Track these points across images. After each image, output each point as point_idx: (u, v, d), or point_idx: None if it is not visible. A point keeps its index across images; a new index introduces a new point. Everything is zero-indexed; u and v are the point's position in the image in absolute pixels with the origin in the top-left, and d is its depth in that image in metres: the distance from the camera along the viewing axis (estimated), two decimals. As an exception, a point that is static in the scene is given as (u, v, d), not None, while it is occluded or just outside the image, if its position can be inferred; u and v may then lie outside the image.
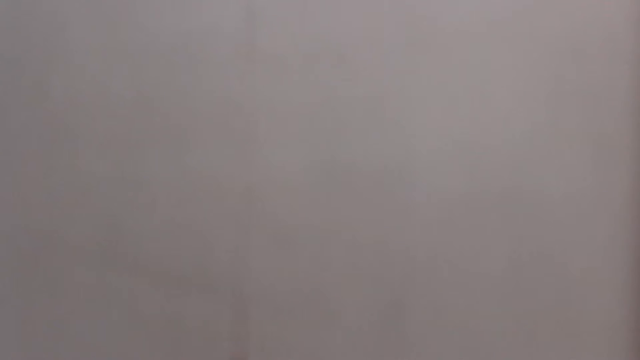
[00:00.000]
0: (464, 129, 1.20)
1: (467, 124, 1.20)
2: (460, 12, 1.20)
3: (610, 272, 1.16)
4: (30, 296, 1.43)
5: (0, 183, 1.43)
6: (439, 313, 1.23)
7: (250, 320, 1.31)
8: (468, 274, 1.21)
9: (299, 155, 1.28)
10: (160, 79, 1.34)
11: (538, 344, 1.19)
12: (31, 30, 1.41)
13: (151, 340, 1.36)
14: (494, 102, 1.19)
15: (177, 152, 1.33)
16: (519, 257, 1.19)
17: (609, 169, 1.15)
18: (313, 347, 1.28)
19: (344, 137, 1.26)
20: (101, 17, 1.36)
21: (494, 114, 1.19)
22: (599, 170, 1.15)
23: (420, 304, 1.23)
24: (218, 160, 1.31)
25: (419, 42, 1.22)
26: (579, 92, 1.16)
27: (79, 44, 1.38)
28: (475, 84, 1.20)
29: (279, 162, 1.29)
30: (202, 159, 1.32)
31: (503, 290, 1.20)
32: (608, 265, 1.16)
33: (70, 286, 1.40)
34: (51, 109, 1.40)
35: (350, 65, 1.25)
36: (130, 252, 1.36)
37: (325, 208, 1.27)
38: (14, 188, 1.43)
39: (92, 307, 1.39)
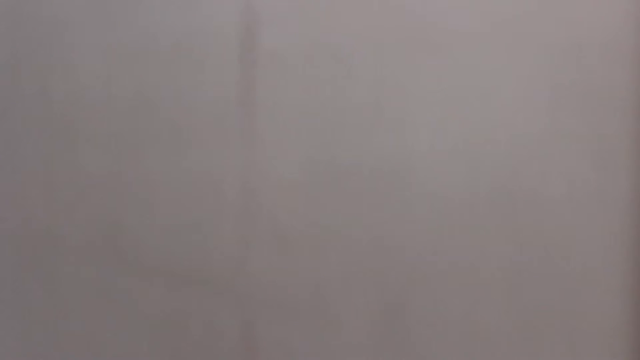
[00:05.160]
0: (464, 129, 1.21)
1: (468, 124, 1.20)
2: (460, 13, 1.20)
3: (610, 272, 1.16)
4: (30, 295, 1.43)
5: (0, 183, 1.43)
6: (440, 313, 1.23)
7: (250, 320, 1.31)
8: (468, 274, 1.21)
9: (299, 155, 1.28)
10: (160, 79, 1.34)
11: (538, 344, 1.19)
12: (31, 29, 1.41)
13: (151, 340, 1.36)
14: (494, 103, 1.19)
15: (177, 152, 1.33)
16: (519, 257, 1.19)
17: (609, 169, 1.15)
18: (313, 347, 1.29)
19: (344, 137, 1.26)
20: (101, 17, 1.36)
21: (494, 115, 1.19)
22: (599, 170, 1.16)
23: (420, 304, 1.24)
24: (218, 160, 1.32)
25: (420, 43, 1.22)
26: (580, 92, 1.16)
27: (79, 44, 1.38)
28: (476, 84, 1.20)
29: (278, 162, 1.29)
30: (202, 159, 1.32)
31: (503, 290, 1.20)
32: (608, 265, 1.16)
33: (70, 285, 1.40)
34: (51, 109, 1.40)
35: (351, 65, 1.25)
36: (130, 251, 1.36)
37: (325, 208, 1.27)
38: (15, 187, 1.43)
39: (92, 306, 1.39)
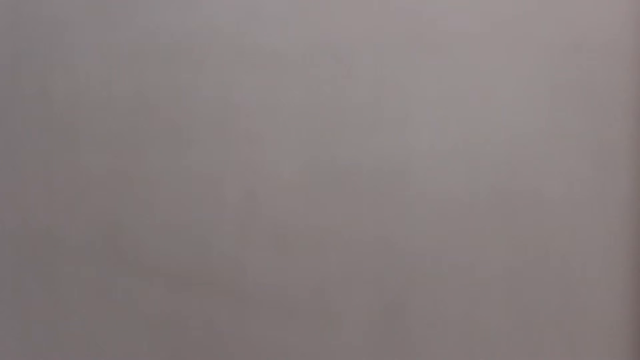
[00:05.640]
0: (464, 129, 1.20)
1: (467, 124, 1.20)
2: (461, 13, 1.20)
3: (610, 272, 1.16)
4: (30, 295, 1.43)
5: (0, 182, 1.43)
6: (439, 313, 1.23)
7: (250, 320, 1.31)
8: (468, 274, 1.21)
9: (299, 156, 1.28)
10: (160, 79, 1.34)
11: (538, 344, 1.19)
12: (32, 29, 1.41)
13: (151, 340, 1.36)
14: (494, 103, 1.19)
15: (177, 152, 1.33)
16: (519, 257, 1.19)
17: (609, 169, 1.15)
18: (313, 347, 1.28)
19: (344, 137, 1.26)
20: (101, 17, 1.36)
21: (494, 115, 1.19)
22: (599, 170, 1.15)
23: (420, 304, 1.23)
24: (218, 160, 1.31)
25: (420, 43, 1.22)
26: (580, 93, 1.16)
27: (79, 43, 1.38)
28: (476, 84, 1.20)
29: (279, 162, 1.29)
30: (202, 159, 1.32)
31: (503, 290, 1.20)
32: (608, 265, 1.16)
33: (70, 285, 1.40)
34: (51, 109, 1.40)
35: (351, 65, 1.25)
36: (130, 251, 1.36)
37: (325, 208, 1.27)
38: (14, 187, 1.42)
39: (92, 306, 1.39)
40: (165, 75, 1.33)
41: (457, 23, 1.20)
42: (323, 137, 1.27)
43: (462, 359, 1.22)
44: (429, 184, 1.22)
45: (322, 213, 1.27)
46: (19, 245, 1.43)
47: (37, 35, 1.40)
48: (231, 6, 1.30)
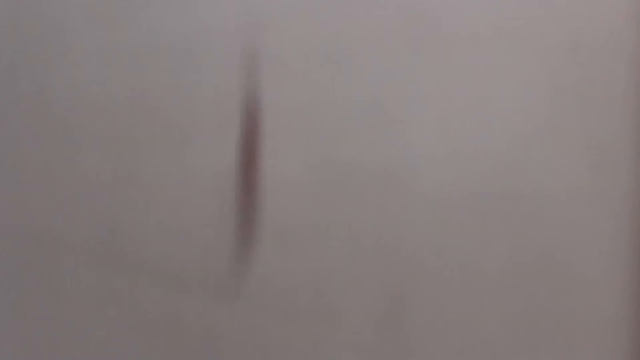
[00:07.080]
0: (464, 130, 1.21)
1: (468, 125, 1.20)
2: (461, 14, 1.20)
3: (610, 272, 1.16)
4: (29, 296, 1.43)
5: (0, 182, 1.43)
6: (440, 313, 1.23)
7: (250, 320, 1.31)
8: (468, 274, 1.21)
9: (299, 155, 1.28)
10: (160, 79, 1.34)
11: (538, 344, 1.19)
12: (30, 29, 1.41)
13: (151, 340, 1.36)
14: (494, 103, 1.19)
15: (177, 152, 1.34)
16: (519, 257, 1.19)
17: (609, 169, 1.15)
18: (313, 347, 1.29)
19: (344, 137, 1.26)
20: (101, 17, 1.36)
21: (494, 115, 1.19)
22: (599, 170, 1.16)
23: (421, 304, 1.24)
24: (218, 160, 1.32)
25: (420, 43, 1.22)
26: (579, 93, 1.16)
27: (79, 43, 1.38)
28: (476, 84, 1.20)
29: (279, 162, 1.29)
30: (202, 159, 1.32)
31: (503, 290, 1.20)
32: (608, 265, 1.16)
33: (69, 286, 1.40)
34: (50, 109, 1.40)
35: (352, 65, 1.25)
36: (130, 251, 1.36)
37: (325, 208, 1.27)
38: (14, 188, 1.43)
39: (92, 307, 1.39)
40: (165, 75, 1.33)
41: (458, 24, 1.20)
42: (323, 137, 1.27)
43: (463, 358, 1.22)
44: (430, 184, 1.22)
45: (322, 213, 1.27)
46: (19, 245, 1.43)
47: (37, 35, 1.40)
48: (231, 6, 1.30)
